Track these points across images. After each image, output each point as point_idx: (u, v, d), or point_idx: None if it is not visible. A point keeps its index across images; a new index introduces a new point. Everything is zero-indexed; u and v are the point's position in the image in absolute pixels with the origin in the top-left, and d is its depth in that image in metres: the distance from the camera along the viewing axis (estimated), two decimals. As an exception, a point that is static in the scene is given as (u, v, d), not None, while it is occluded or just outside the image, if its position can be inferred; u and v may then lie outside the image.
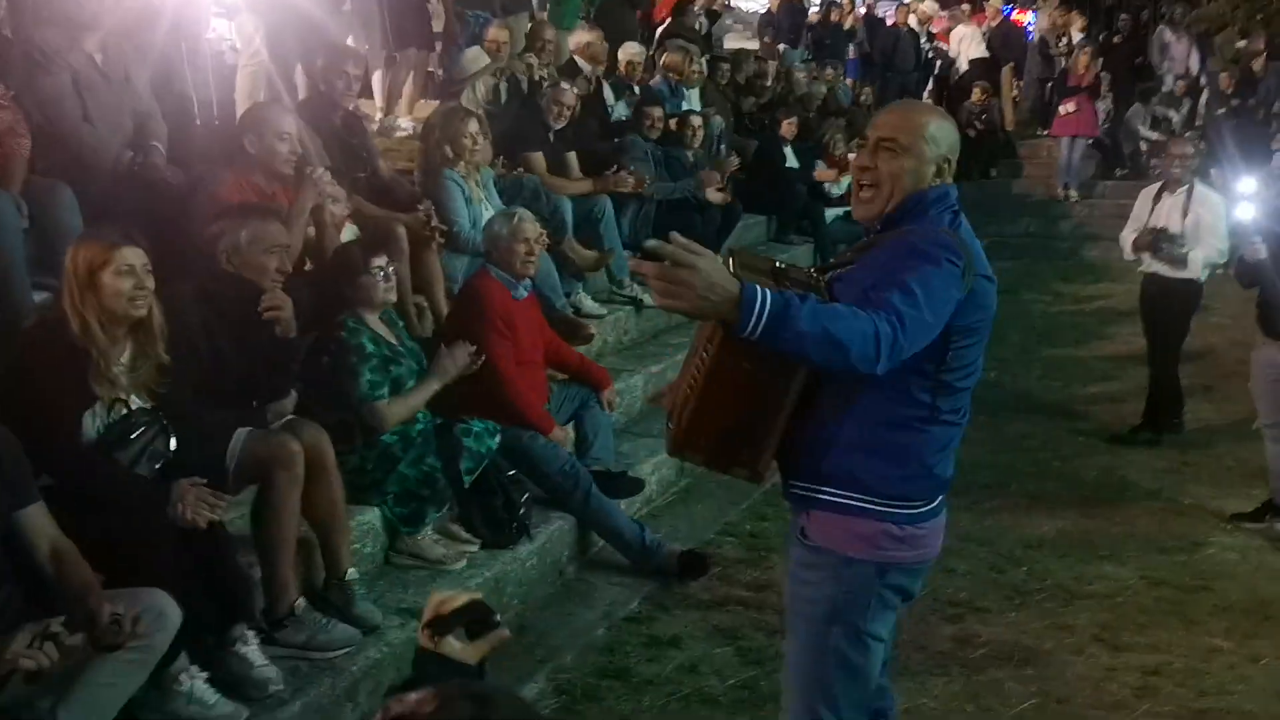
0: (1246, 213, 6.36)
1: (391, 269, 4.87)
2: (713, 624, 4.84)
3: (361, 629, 4.10)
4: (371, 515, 4.64)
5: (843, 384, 2.67)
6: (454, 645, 1.85)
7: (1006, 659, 4.68)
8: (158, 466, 3.68)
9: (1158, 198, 7.39)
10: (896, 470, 2.76)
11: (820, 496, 2.79)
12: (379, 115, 10.03)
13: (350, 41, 10.33)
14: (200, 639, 3.62)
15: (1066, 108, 14.57)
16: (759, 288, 2.39)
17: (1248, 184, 6.56)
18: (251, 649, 3.70)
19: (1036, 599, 5.23)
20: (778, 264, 2.80)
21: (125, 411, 3.65)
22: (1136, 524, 6.20)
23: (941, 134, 2.81)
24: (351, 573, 4.24)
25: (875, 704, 3.05)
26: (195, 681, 3.49)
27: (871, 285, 2.61)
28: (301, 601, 4.00)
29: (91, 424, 3.60)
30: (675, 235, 2.44)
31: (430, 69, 9.98)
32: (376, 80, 10.41)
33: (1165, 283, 7.34)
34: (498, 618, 1.90)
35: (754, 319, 2.35)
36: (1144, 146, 14.99)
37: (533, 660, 4.51)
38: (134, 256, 3.62)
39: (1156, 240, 7.21)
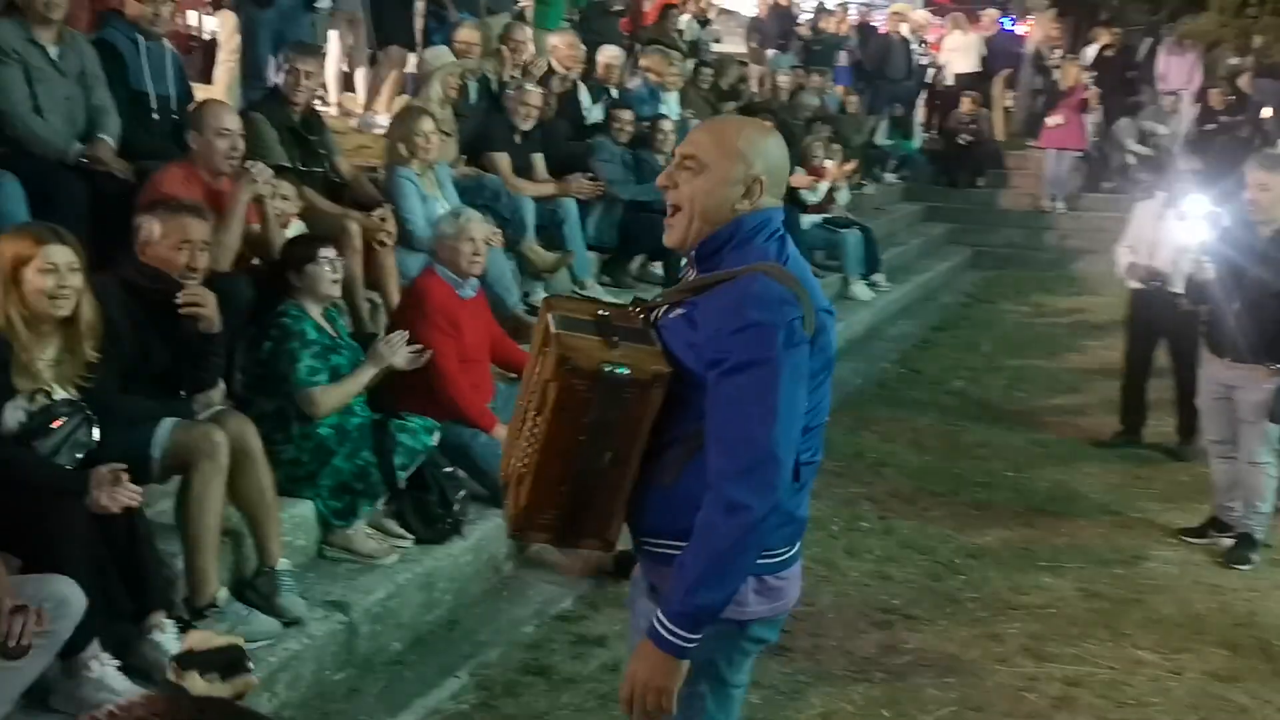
0: (1196, 232, 6.38)
1: (339, 263, 4.93)
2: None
3: (284, 620, 4.16)
4: (305, 508, 4.70)
5: (686, 437, 2.45)
6: (198, 682, 1.88)
7: (930, 666, 4.72)
8: (80, 456, 3.73)
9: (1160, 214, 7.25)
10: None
11: (675, 554, 2.45)
12: (359, 111, 10.14)
13: (334, 38, 10.48)
14: (115, 626, 3.69)
15: (1054, 119, 14.62)
16: (657, 614, 2.39)
17: (1198, 203, 6.57)
18: (167, 637, 3.76)
19: (969, 608, 5.26)
20: (600, 311, 2.57)
21: (47, 402, 3.70)
22: (1080, 536, 6.24)
23: (753, 151, 2.49)
24: (283, 563, 4.29)
25: None
26: (106, 668, 3.55)
27: (711, 361, 2.39)
28: (223, 592, 4.06)
29: (12, 414, 3.64)
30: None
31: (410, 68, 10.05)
32: (360, 76, 10.51)
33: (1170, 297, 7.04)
34: (250, 665, 1.93)
35: (689, 645, 2.38)
36: (1131, 161, 15.06)
37: (458, 655, 4.57)
38: (59, 255, 3.66)
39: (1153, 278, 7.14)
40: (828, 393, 2.58)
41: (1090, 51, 16.89)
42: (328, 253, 4.80)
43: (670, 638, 2.38)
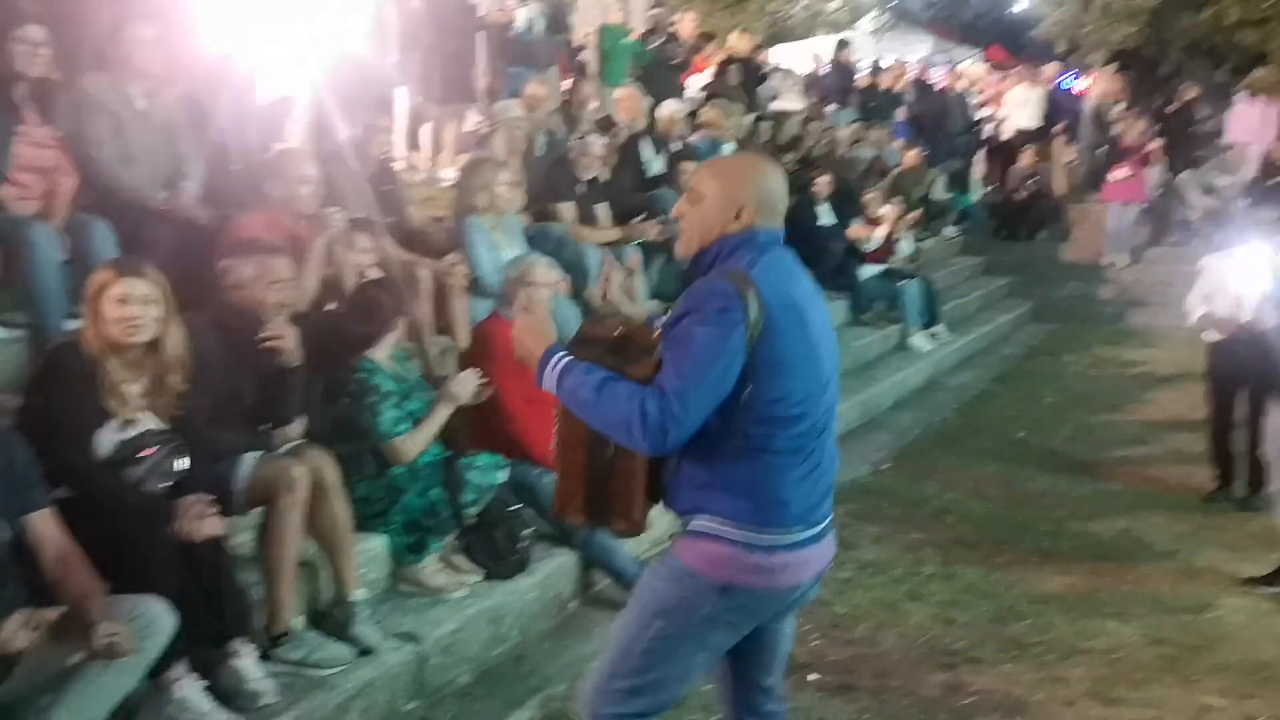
0: (1263, 281, 6.37)
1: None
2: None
3: (358, 649, 4.25)
4: (377, 542, 4.81)
5: None
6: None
7: (994, 708, 4.72)
8: (167, 485, 3.88)
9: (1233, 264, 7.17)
10: (746, 502, 2.90)
11: (689, 525, 2.98)
12: (426, 165, 10.39)
13: (404, 94, 10.77)
14: (199, 649, 3.81)
15: (1118, 174, 14.59)
16: (558, 357, 2.92)
17: (1265, 253, 6.56)
18: (247, 662, 3.86)
19: (1034, 652, 5.25)
20: (620, 330, 3.04)
21: (137, 431, 3.85)
22: (1147, 583, 6.21)
23: (741, 181, 3.00)
24: (358, 594, 4.40)
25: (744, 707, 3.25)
26: (191, 689, 3.65)
27: (665, 347, 2.87)
28: (299, 620, 4.17)
29: (106, 442, 3.80)
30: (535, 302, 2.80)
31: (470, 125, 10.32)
32: (425, 132, 10.79)
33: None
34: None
35: (542, 380, 2.93)
36: (1194, 214, 14.99)
37: (525, 688, 4.63)
38: (135, 286, 3.82)
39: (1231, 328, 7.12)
40: (806, 384, 2.90)
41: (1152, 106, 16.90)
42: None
43: (549, 370, 2.92)
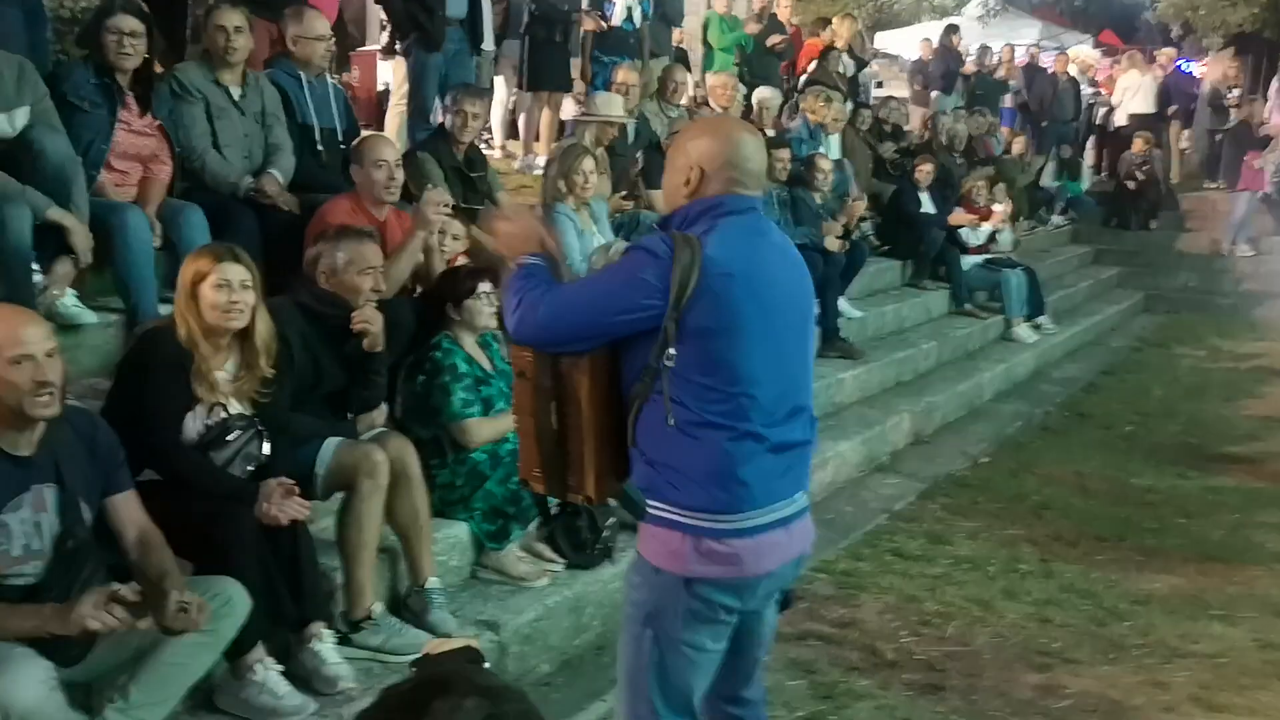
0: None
1: (496, 294, 5.05)
2: (790, 656, 4.84)
3: (435, 636, 4.25)
4: (459, 529, 4.81)
5: (632, 397, 2.78)
6: None
7: (1091, 712, 4.56)
8: (251, 469, 3.91)
9: None
10: (697, 483, 2.75)
11: (646, 510, 2.83)
12: (521, 153, 10.43)
13: (500, 83, 10.82)
14: (278, 633, 3.84)
15: (1258, 161, 14.11)
16: (532, 258, 2.87)
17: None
18: (325, 647, 3.89)
19: (1135, 654, 5.07)
20: None
21: (224, 415, 3.89)
22: (1256, 585, 5.96)
23: (694, 144, 2.87)
24: (433, 581, 4.39)
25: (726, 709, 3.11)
26: (269, 672, 3.68)
27: None
28: (379, 606, 4.18)
29: (193, 424, 3.84)
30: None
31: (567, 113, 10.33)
32: (522, 121, 10.83)
33: None
34: (486, 664, 1.98)
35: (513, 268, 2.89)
36: (1314, 202, 14.45)
37: (607, 679, 4.54)
38: (233, 272, 3.84)
39: None
40: (755, 361, 2.75)
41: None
42: (485, 287, 4.93)
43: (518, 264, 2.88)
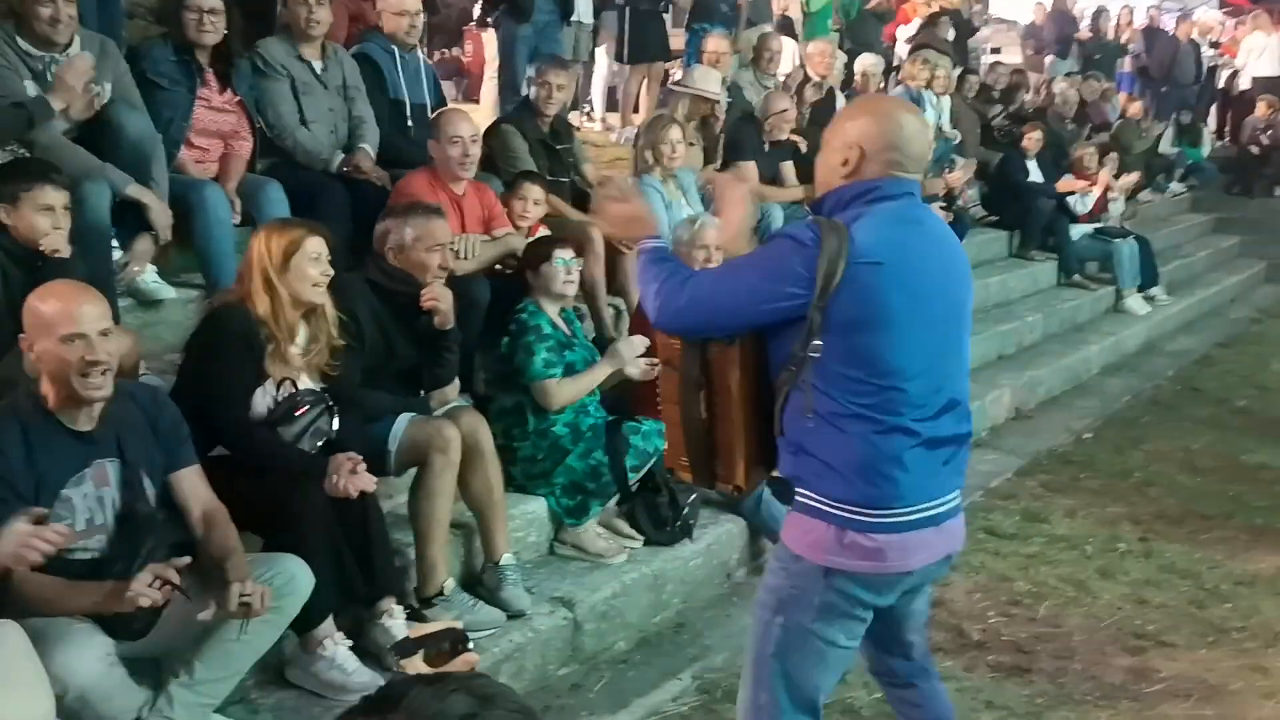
0: None
1: (576, 264, 5.00)
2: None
3: (508, 613, 4.23)
4: (538, 505, 4.78)
5: (780, 385, 2.72)
6: (420, 664, 1.90)
7: (1185, 697, 4.37)
8: (320, 444, 3.91)
9: None
10: (845, 476, 2.68)
11: (794, 493, 2.78)
12: (619, 126, 10.36)
13: (601, 54, 10.75)
14: (349, 609, 3.85)
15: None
16: (652, 242, 2.88)
17: None
18: (397, 623, 3.86)
19: (1234, 637, 4.86)
20: None
21: (293, 390, 3.89)
22: (1370, 568, 5.69)
23: (854, 124, 2.78)
24: (507, 558, 4.36)
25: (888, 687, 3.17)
26: (339, 648, 3.68)
27: None
28: (450, 582, 4.16)
29: (261, 400, 3.84)
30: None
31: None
32: (621, 92, 10.76)
33: None
34: (470, 644, 1.93)
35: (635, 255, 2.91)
36: None
37: (683, 657, 4.54)
38: (320, 246, 3.86)
39: None
40: (906, 355, 2.65)
41: None
42: (563, 253, 4.89)
43: (640, 250, 2.89)
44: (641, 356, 4.92)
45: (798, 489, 2.75)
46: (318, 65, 5.52)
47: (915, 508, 2.71)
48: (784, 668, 2.82)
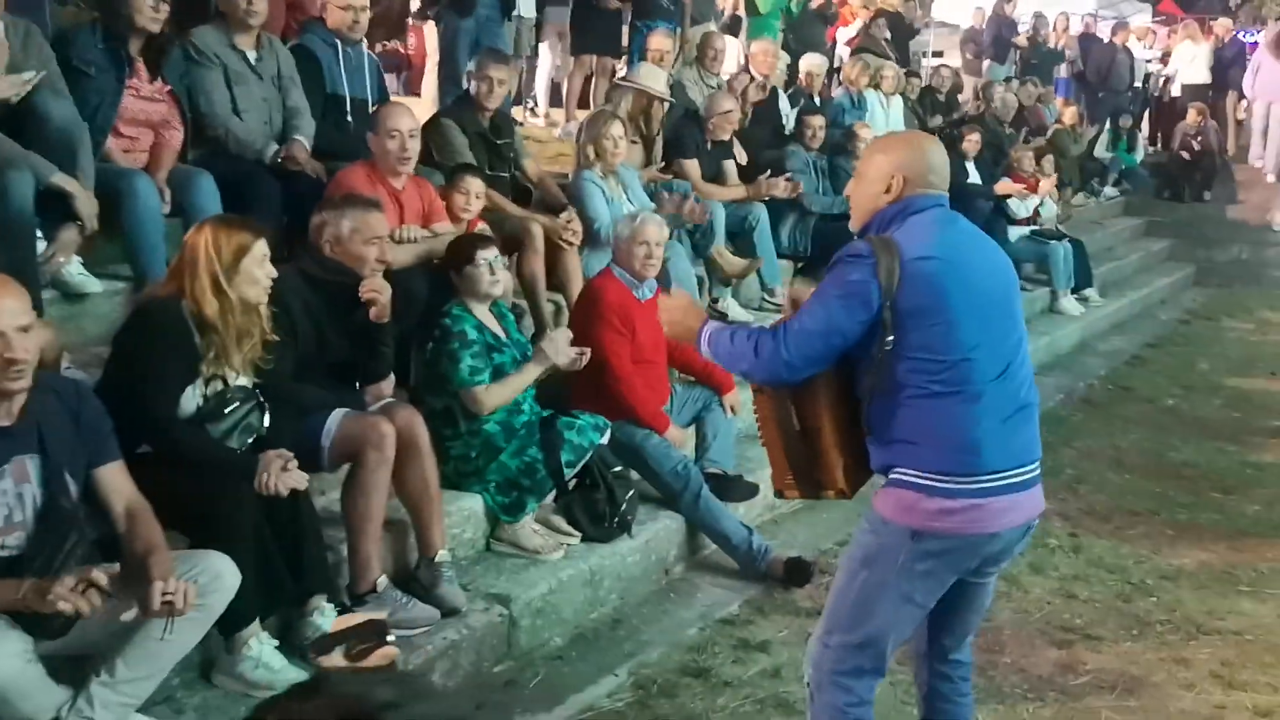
0: None
1: (499, 263, 4.96)
2: (807, 631, 4.71)
3: (443, 610, 4.20)
4: (473, 502, 4.76)
5: (863, 393, 3.05)
6: (339, 660, 1.88)
7: (1109, 689, 4.45)
8: (250, 441, 3.85)
9: None
10: (932, 448, 2.98)
11: (887, 476, 3.09)
12: (563, 121, 10.32)
13: (545, 50, 10.69)
14: (277, 607, 3.79)
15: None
16: (710, 325, 3.23)
17: None
18: (327, 620, 3.81)
19: (1158, 631, 4.95)
20: None
21: (222, 388, 3.80)
22: (1290, 561, 5.80)
23: (891, 156, 3.15)
24: (443, 554, 4.32)
25: (929, 667, 3.40)
26: (265, 647, 3.63)
27: None
28: (383, 579, 4.12)
29: (192, 397, 3.75)
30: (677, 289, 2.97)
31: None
32: (564, 88, 10.71)
33: None
34: (391, 638, 1.91)
35: (701, 350, 3.22)
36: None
37: (620, 653, 4.54)
38: (265, 247, 3.78)
39: None
40: (969, 332, 2.96)
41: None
42: (486, 254, 4.84)
43: (704, 342, 3.22)
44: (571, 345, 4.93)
45: (894, 470, 3.03)
46: (252, 55, 5.44)
47: (998, 473, 3.00)
48: (856, 614, 3.11)
